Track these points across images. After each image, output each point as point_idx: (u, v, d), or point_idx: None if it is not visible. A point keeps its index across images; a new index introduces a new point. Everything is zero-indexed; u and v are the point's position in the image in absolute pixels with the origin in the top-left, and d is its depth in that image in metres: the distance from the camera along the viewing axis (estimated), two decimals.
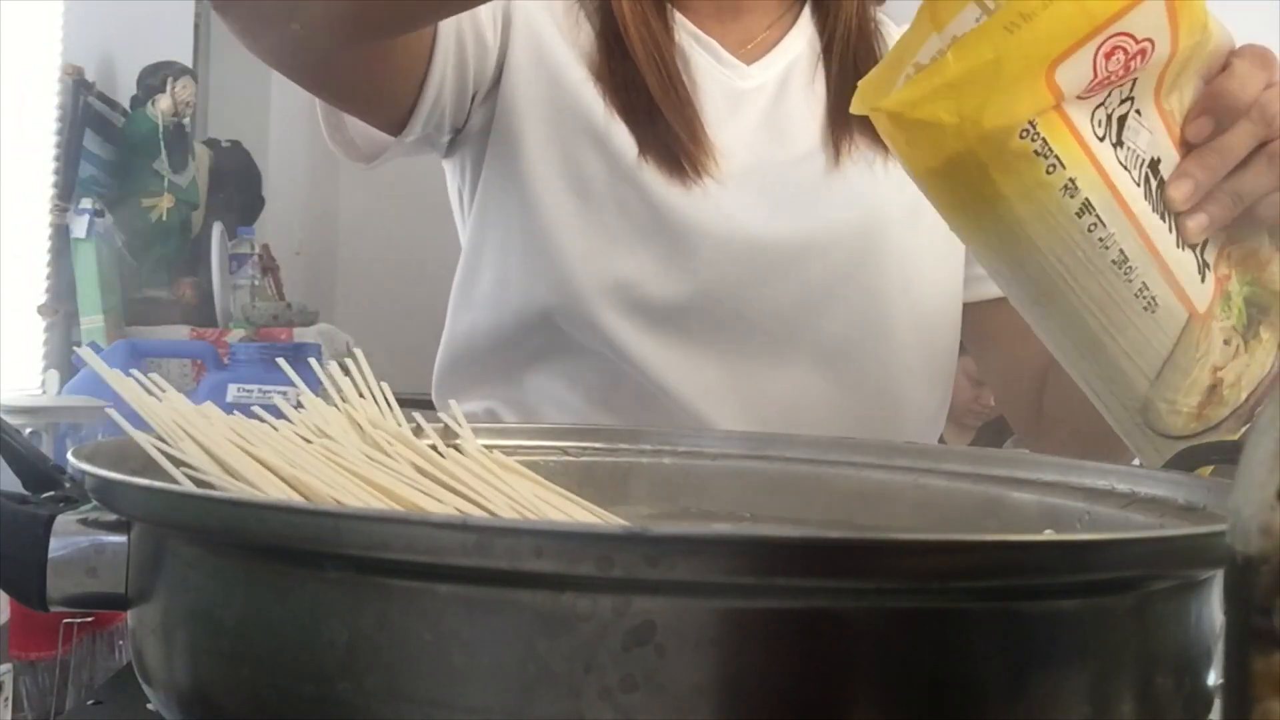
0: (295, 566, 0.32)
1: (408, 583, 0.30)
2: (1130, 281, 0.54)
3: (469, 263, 0.86)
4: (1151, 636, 0.33)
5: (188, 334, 2.44)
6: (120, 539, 0.37)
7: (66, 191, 2.25)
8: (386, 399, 0.56)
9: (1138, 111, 0.54)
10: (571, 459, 0.61)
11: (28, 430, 1.72)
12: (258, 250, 2.80)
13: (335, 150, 0.83)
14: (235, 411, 0.49)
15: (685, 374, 0.79)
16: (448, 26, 0.76)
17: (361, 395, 0.55)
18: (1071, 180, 0.52)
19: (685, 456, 0.61)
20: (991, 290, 0.88)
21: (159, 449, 0.44)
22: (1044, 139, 0.51)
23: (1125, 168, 0.54)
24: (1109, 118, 0.53)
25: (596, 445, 0.62)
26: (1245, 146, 0.56)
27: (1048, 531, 0.51)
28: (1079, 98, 0.52)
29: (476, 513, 0.46)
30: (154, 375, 0.50)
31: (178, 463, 0.43)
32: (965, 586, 0.30)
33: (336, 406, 0.54)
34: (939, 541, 0.29)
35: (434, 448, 0.55)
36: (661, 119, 0.79)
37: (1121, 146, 0.54)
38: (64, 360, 2.19)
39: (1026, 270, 0.55)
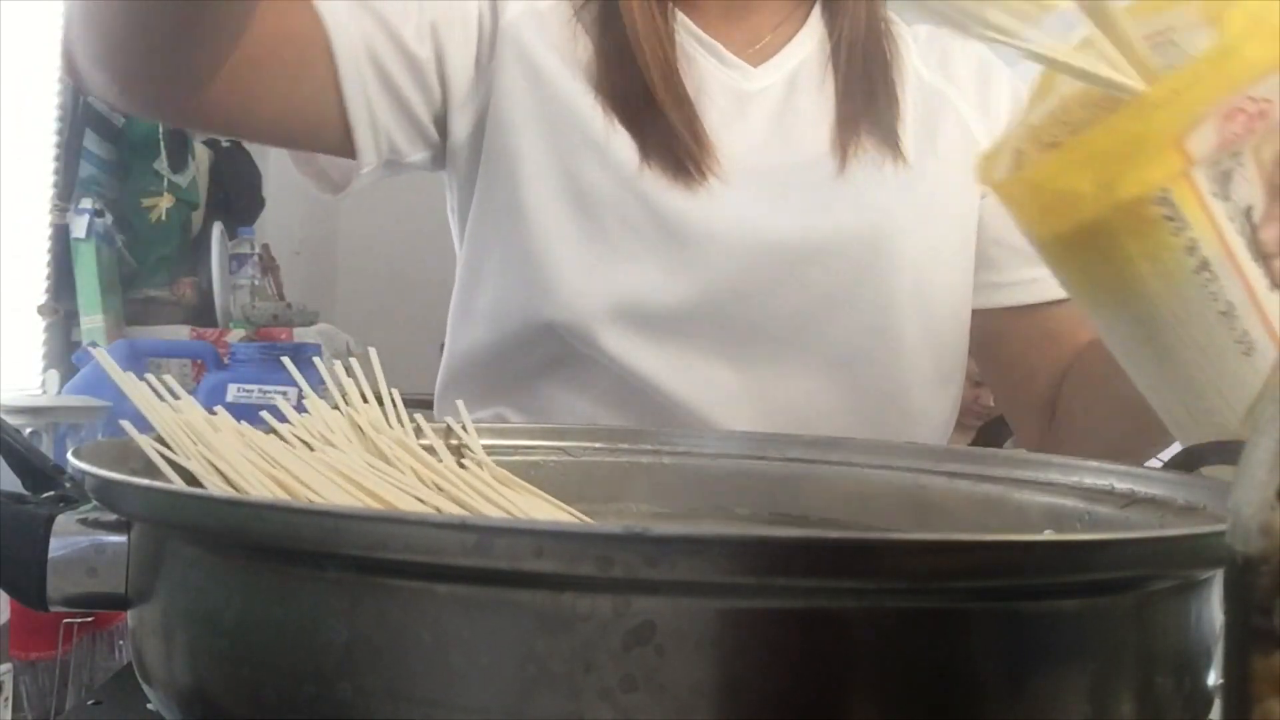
0: (295, 566, 0.32)
1: (407, 583, 0.30)
2: (1233, 329, 0.55)
3: (466, 281, 0.85)
4: (1151, 636, 0.33)
5: (188, 334, 2.44)
6: (120, 539, 0.37)
7: (66, 191, 2.25)
8: (394, 401, 0.56)
9: (1241, 164, 0.56)
10: (572, 459, 0.61)
11: (28, 430, 1.72)
12: (258, 250, 2.80)
13: (307, 182, 0.84)
14: (242, 420, 0.49)
15: (694, 384, 0.78)
16: (349, 49, 0.76)
17: (365, 400, 0.55)
18: (1193, 240, 0.54)
19: (685, 456, 0.61)
20: (1007, 299, 0.87)
21: (160, 453, 0.44)
22: (1174, 204, 0.53)
23: (1230, 219, 0.56)
24: (1220, 174, 0.55)
25: (597, 445, 0.62)
26: None
27: (1048, 531, 0.51)
28: (1201, 161, 0.54)
29: None
30: (167, 377, 0.50)
31: (178, 468, 0.43)
32: (965, 586, 0.30)
33: (339, 408, 0.54)
34: (939, 541, 0.29)
35: (432, 450, 0.55)
36: (663, 119, 0.78)
37: (1228, 200, 0.56)
38: (64, 360, 2.19)
39: (1134, 317, 0.56)
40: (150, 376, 0.49)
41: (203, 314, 2.60)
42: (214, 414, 0.48)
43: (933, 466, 0.58)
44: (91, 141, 2.31)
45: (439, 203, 0.91)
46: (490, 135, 0.81)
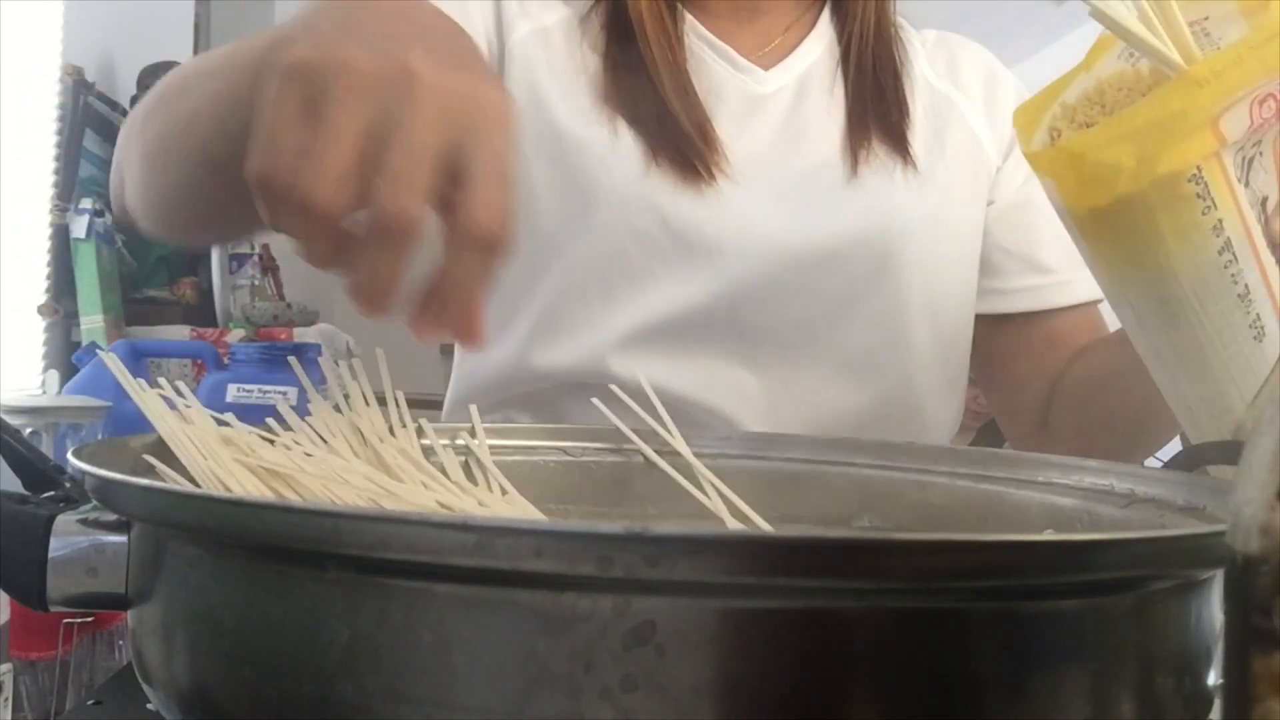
0: (295, 566, 0.32)
1: (408, 583, 0.30)
2: (1248, 313, 0.56)
3: None
4: (1151, 636, 0.33)
5: (188, 334, 2.44)
6: (120, 539, 0.37)
7: (66, 191, 2.25)
8: (398, 403, 0.56)
9: (1261, 153, 0.57)
10: (573, 459, 0.61)
11: (28, 430, 1.72)
12: (258, 250, 2.80)
13: None
14: (249, 427, 0.49)
15: (706, 391, 0.78)
16: None
17: (367, 402, 0.55)
18: (1220, 220, 0.55)
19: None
20: (1010, 305, 0.88)
21: (156, 463, 0.44)
22: (1206, 183, 0.55)
23: (1251, 206, 0.57)
24: (1244, 160, 0.56)
25: (598, 445, 0.62)
26: None
27: (1048, 531, 0.51)
28: (1232, 143, 0.55)
29: None
30: (180, 383, 0.50)
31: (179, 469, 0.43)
32: (965, 586, 0.30)
33: (341, 410, 0.54)
34: (939, 541, 0.29)
35: (430, 454, 0.55)
36: (671, 119, 0.78)
37: (1249, 186, 0.57)
38: (64, 360, 2.19)
39: (1158, 296, 0.57)
40: (163, 380, 0.49)
41: (203, 314, 2.59)
42: (221, 417, 0.48)
43: (933, 466, 0.58)
44: (91, 141, 2.31)
45: None
46: None
